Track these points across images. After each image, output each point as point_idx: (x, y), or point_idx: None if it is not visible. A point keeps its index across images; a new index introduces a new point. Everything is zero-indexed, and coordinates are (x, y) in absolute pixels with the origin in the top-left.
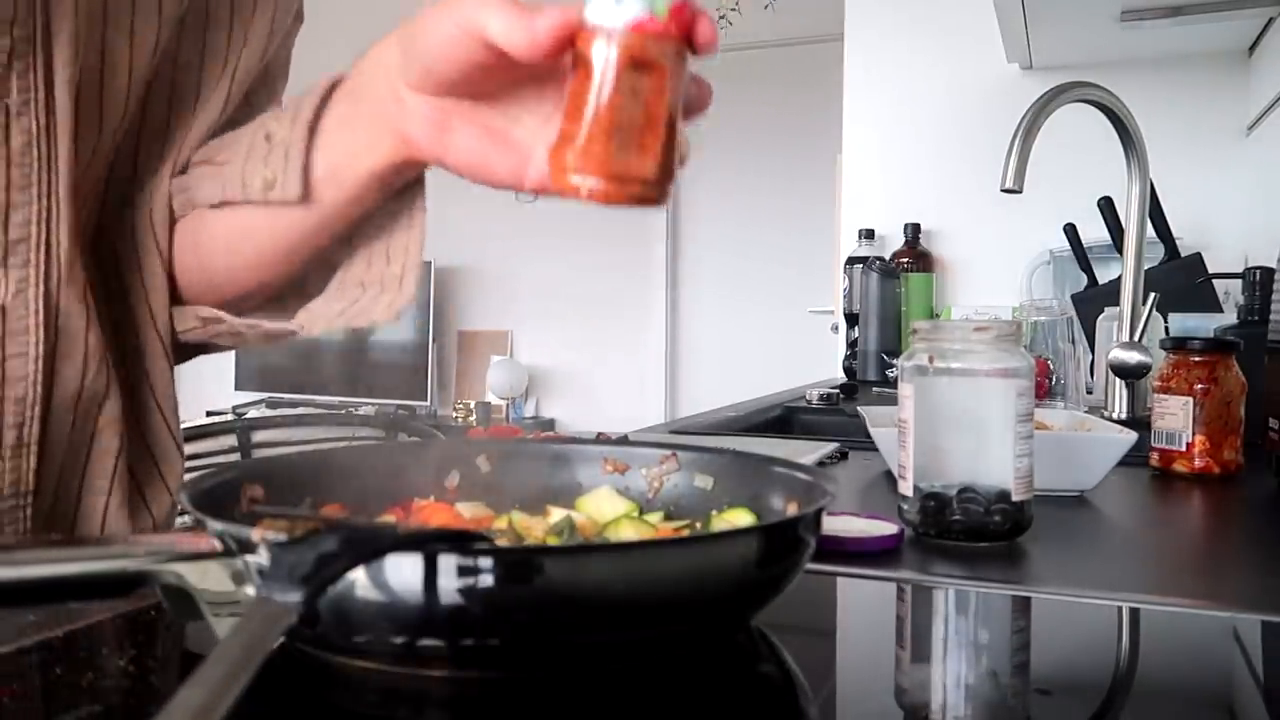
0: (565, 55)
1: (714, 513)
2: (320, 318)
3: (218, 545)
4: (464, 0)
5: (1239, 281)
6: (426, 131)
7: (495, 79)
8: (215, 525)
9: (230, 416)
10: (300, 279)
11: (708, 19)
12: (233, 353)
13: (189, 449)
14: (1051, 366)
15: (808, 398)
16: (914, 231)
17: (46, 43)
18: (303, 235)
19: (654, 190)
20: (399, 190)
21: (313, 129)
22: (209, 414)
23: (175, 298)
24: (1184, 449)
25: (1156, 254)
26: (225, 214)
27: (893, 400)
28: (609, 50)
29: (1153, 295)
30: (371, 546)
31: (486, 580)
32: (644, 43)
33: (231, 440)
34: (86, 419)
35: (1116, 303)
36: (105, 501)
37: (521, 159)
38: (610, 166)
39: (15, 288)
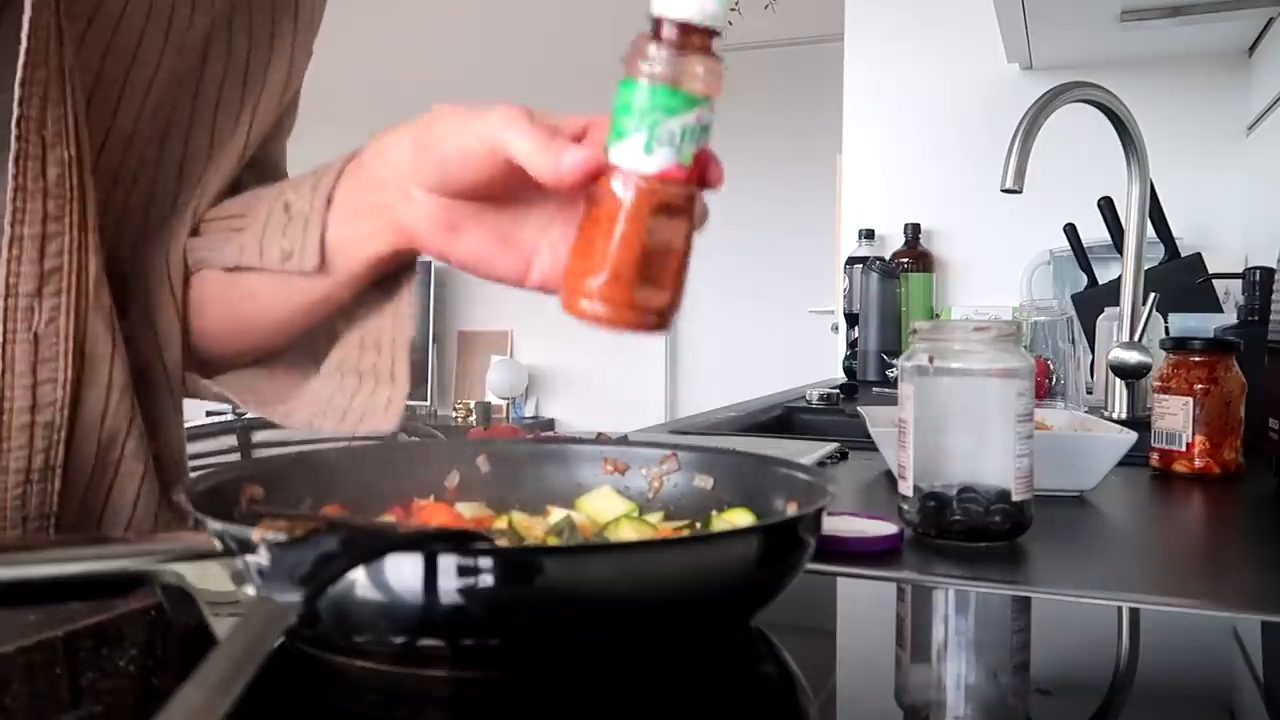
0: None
1: (714, 513)
2: (328, 416)
3: (218, 545)
4: (486, 115)
5: (1239, 281)
6: (433, 231)
7: (508, 187)
8: (215, 525)
9: (230, 416)
10: (313, 343)
11: (718, 163)
12: None
13: (189, 449)
14: (1051, 366)
15: (808, 398)
16: (914, 231)
17: (72, 74)
18: (319, 302)
19: (666, 320)
20: (390, 271)
21: (329, 202)
22: (209, 414)
23: (193, 346)
24: (1184, 449)
25: (1156, 254)
26: (244, 275)
27: (893, 400)
28: (637, 194)
29: (1153, 295)
30: (371, 546)
31: (486, 580)
32: (671, 191)
33: (231, 440)
34: (110, 448)
35: (1116, 303)
36: (125, 527)
37: (525, 258)
38: (631, 300)
39: (48, 316)
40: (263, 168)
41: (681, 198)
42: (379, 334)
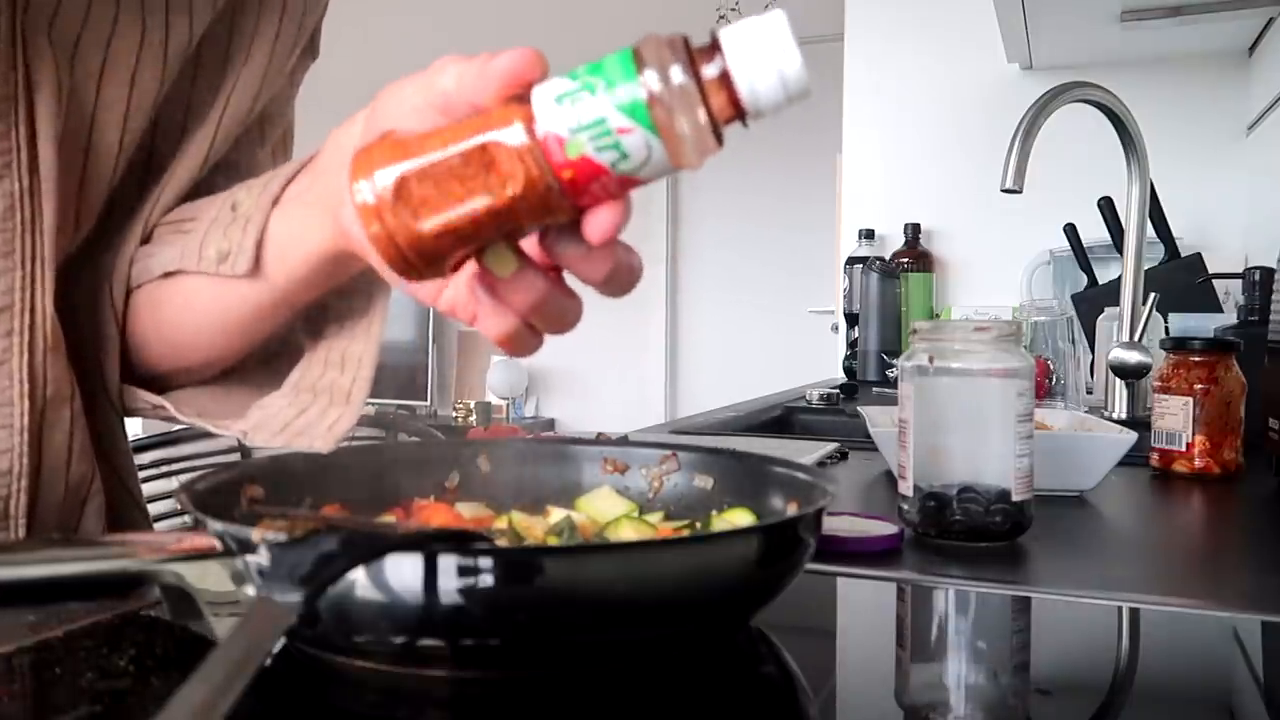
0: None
1: (714, 513)
2: (266, 428)
3: (218, 545)
4: (423, 72)
5: (1239, 281)
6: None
7: None
8: (215, 525)
9: None
10: (273, 354)
11: (611, 214)
12: None
13: (189, 449)
14: (1051, 366)
15: (808, 398)
16: (914, 231)
17: (29, 98)
18: (257, 310)
19: (403, 264)
20: (362, 286)
21: (276, 202)
22: None
23: (133, 361)
24: (1184, 449)
25: (1156, 254)
26: (181, 280)
27: (893, 400)
28: (505, 132)
29: (1153, 295)
30: (371, 547)
31: (486, 580)
32: (524, 152)
33: (231, 440)
34: (78, 491)
35: (1116, 303)
36: None
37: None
38: (393, 210)
39: None
40: (238, 173)
41: (524, 167)
42: (345, 352)
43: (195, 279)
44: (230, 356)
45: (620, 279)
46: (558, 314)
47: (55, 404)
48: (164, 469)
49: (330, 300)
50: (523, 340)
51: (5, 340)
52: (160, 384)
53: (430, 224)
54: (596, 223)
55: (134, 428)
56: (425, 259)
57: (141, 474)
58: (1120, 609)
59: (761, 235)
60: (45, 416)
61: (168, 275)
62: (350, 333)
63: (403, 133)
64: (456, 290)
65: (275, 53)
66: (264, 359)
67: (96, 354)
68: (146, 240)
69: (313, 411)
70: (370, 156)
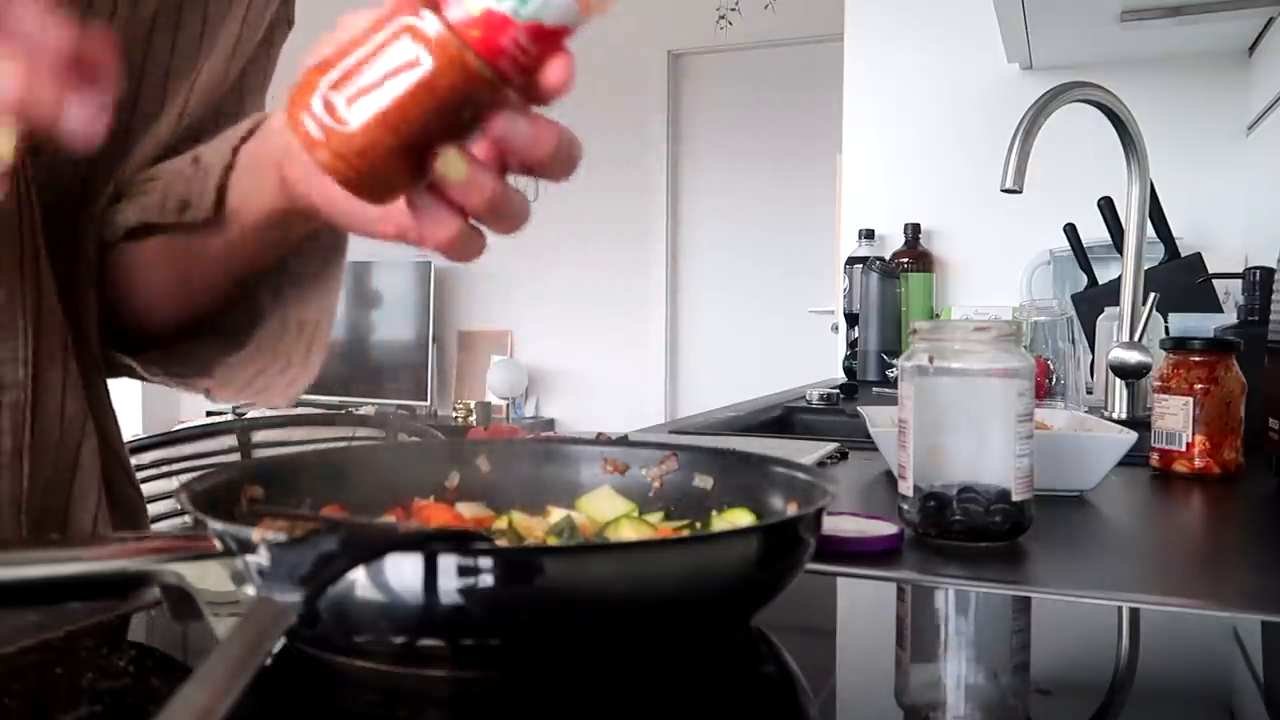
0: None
1: (714, 513)
2: (229, 385)
3: (218, 545)
4: (337, 27)
5: (1239, 281)
6: (305, 170)
7: None
8: (215, 525)
9: (230, 416)
10: (235, 317)
11: (562, 64)
12: None
13: (189, 449)
14: (1051, 366)
15: (808, 398)
16: (914, 231)
17: None
18: (216, 261)
19: (358, 183)
20: (318, 251)
21: (236, 151)
22: (209, 414)
23: (121, 314)
24: (1184, 449)
25: (1156, 254)
26: (148, 237)
27: (893, 400)
28: (412, 13)
29: (1153, 295)
30: (371, 546)
31: (486, 580)
32: (432, 30)
33: (231, 440)
34: (72, 431)
35: (1116, 303)
36: (94, 518)
37: (390, 205)
38: (332, 125)
39: (6, 295)
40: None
41: (434, 41)
42: (303, 314)
43: (161, 231)
44: (190, 310)
45: (567, 156)
46: (509, 210)
47: (49, 336)
48: (164, 469)
49: (288, 265)
50: (469, 243)
51: (12, 273)
52: (134, 342)
53: (364, 123)
54: (551, 76)
55: (134, 428)
56: (373, 169)
57: (141, 474)
58: (1120, 609)
59: (761, 235)
60: (40, 351)
61: (132, 231)
62: (307, 299)
63: (321, 55)
64: (400, 213)
65: (250, 10)
66: (227, 323)
67: (78, 308)
68: (116, 200)
69: (272, 371)
70: (301, 87)
